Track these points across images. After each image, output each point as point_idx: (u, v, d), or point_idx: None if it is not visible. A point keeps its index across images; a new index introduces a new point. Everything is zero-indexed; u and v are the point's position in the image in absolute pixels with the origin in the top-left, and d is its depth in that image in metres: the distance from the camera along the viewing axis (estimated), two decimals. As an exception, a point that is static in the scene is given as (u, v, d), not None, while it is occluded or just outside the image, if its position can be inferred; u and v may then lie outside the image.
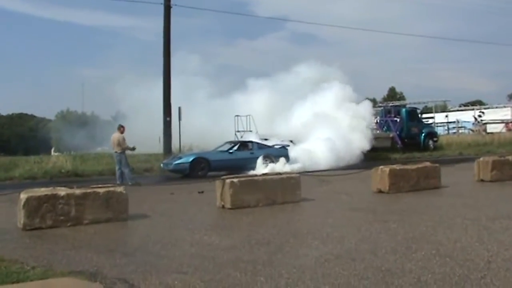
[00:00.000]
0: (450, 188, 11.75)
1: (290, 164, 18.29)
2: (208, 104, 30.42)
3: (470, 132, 42.71)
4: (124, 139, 15.00)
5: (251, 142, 19.38)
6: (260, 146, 19.08)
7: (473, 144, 31.66)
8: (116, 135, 15.15)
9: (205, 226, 7.88)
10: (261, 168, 17.23)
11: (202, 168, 17.55)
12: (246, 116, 25.84)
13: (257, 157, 18.06)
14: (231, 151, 18.70)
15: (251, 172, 16.39)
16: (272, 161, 18.02)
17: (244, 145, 19.31)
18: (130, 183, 14.10)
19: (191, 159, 17.63)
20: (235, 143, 19.59)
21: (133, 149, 15.29)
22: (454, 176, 14.36)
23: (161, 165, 18.60)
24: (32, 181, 17.13)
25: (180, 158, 18.25)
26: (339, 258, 5.54)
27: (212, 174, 17.18)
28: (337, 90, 24.39)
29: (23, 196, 7.77)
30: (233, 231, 7.45)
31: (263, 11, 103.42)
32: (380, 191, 11.11)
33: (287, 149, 19.34)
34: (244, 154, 18.55)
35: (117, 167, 15.21)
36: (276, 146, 19.67)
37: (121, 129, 15.31)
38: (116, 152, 15.10)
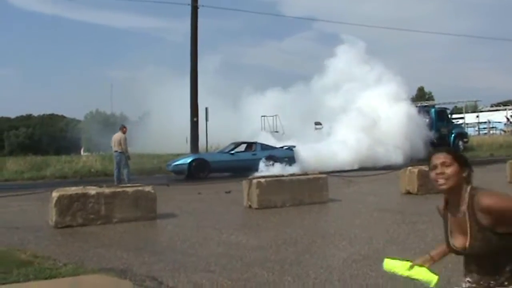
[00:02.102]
0: (480, 190, 11.50)
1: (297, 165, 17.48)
2: (235, 104, 30.58)
3: (502, 132, 41.76)
4: (125, 140, 14.84)
5: (255, 143, 18.75)
6: (264, 147, 18.40)
7: (505, 145, 30.94)
8: (118, 135, 14.97)
9: (232, 226, 7.92)
10: (264, 170, 16.49)
11: (201, 169, 17.07)
12: (273, 116, 25.85)
13: (260, 159, 17.37)
14: (232, 152, 18.27)
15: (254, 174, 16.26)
16: (276, 163, 17.34)
17: (247, 146, 18.83)
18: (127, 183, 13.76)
19: (189, 160, 17.30)
20: (237, 143, 19.11)
21: (128, 157, 14.90)
22: (485, 177, 13.98)
23: (166, 166, 18.38)
24: (63, 180, 17.48)
25: (180, 159, 17.97)
26: (367, 258, 5.49)
27: (215, 175, 17.12)
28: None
29: (55, 194, 7.95)
30: (260, 231, 7.46)
31: (290, 11, 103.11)
32: (409, 192, 10.97)
33: (292, 150, 18.58)
34: (246, 155, 18.04)
35: (115, 167, 15.08)
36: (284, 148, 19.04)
37: (124, 129, 15.14)
38: (116, 151, 14.90)
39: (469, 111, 48.10)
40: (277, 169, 16.41)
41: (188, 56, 23.10)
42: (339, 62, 24.64)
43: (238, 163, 17.54)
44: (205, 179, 16.51)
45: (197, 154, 18.60)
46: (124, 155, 14.80)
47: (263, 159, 17.37)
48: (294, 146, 18.93)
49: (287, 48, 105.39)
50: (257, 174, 16.11)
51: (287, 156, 18.13)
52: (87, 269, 5.32)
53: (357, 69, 24.38)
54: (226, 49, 76.98)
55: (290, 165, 17.36)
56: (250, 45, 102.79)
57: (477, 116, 45.97)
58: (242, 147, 18.91)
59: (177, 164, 17.43)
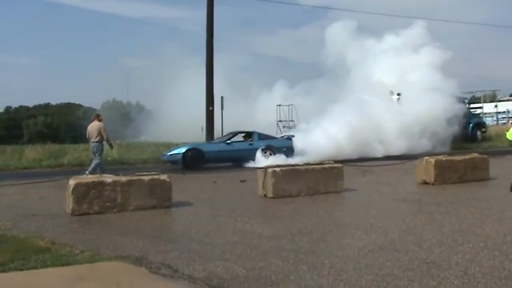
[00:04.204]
0: (499, 180, 11.36)
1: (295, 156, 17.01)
2: (251, 93, 30.56)
3: (521, 122, 41.11)
4: (105, 128, 14.03)
5: (253, 132, 18.28)
6: (262, 137, 18.02)
7: (524, 135, 30.40)
8: (95, 124, 14.00)
9: (247, 215, 7.92)
10: (261, 160, 16.38)
11: (196, 159, 16.66)
12: (288, 105, 25.76)
13: (257, 149, 17.15)
14: (228, 141, 17.81)
15: (250, 165, 16.04)
16: (274, 153, 17.10)
17: (245, 135, 18.46)
18: (87, 172, 12.81)
19: (184, 150, 16.91)
20: (235, 133, 18.74)
21: (111, 145, 14.29)
22: (503, 168, 13.87)
23: (161, 155, 18.10)
24: (80, 168, 17.62)
25: (175, 149, 17.66)
26: (382, 249, 5.46)
27: (212, 165, 16.94)
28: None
29: (72, 182, 8.02)
30: (275, 220, 7.46)
31: (305, 0, 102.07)
32: (425, 183, 10.87)
33: (291, 140, 18.15)
34: (243, 145, 17.66)
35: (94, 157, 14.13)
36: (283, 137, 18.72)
37: (100, 117, 14.39)
38: (95, 141, 13.89)
39: (488, 101, 47.47)
40: (274, 159, 16.19)
41: (204, 45, 23.10)
42: (335, 39, 24.58)
43: (235, 153, 17.27)
44: (221, 168, 16.55)
45: (193, 144, 18.14)
46: (102, 145, 13.98)
47: (260, 149, 17.16)
48: (293, 136, 18.61)
49: (301, 37, 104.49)
50: (252, 164, 16.18)
51: (285, 146, 17.76)
52: (103, 256, 5.37)
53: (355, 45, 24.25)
54: (241, 38, 76.69)
55: (288, 156, 16.97)
56: (265, 34, 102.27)
57: (496, 106, 45.33)
58: (240, 137, 18.53)
59: (172, 154, 17.13)
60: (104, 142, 14.16)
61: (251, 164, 16.22)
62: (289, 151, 17.45)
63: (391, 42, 23.87)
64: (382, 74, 22.08)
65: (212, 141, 19.40)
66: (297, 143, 17.95)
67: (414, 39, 23.72)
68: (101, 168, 13.67)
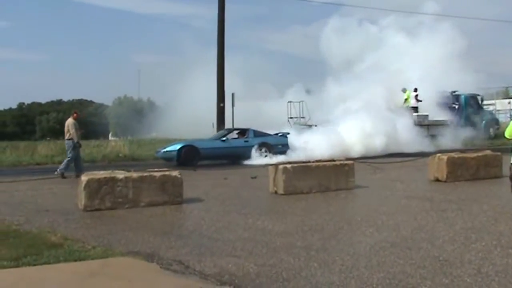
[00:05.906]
0: (512, 178, 11.24)
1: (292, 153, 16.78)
2: (262, 90, 30.53)
3: (535, 119, 40.64)
4: (73, 126, 13.39)
5: (248, 129, 17.88)
6: (257, 134, 17.65)
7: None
8: (67, 121, 13.69)
9: (258, 211, 7.92)
10: (257, 158, 16.37)
11: (191, 156, 16.31)
12: (299, 102, 25.68)
13: (252, 146, 16.95)
14: (224, 138, 17.52)
15: (246, 162, 15.99)
16: (269, 150, 16.93)
17: (239, 132, 18.16)
18: (56, 172, 13.02)
19: (178, 147, 16.55)
20: (230, 130, 18.54)
21: (79, 144, 13.51)
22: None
23: (156, 152, 17.73)
24: (92, 164, 17.73)
25: (169, 145, 17.28)
26: (394, 246, 5.43)
27: (207, 162, 16.81)
28: None
29: (84, 178, 8.08)
30: (286, 217, 7.45)
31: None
32: (437, 180, 10.79)
33: (287, 137, 17.91)
34: (238, 142, 17.38)
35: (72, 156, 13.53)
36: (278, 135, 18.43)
37: (74, 115, 13.92)
38: (66, 139, 13.49)
39: (501, 97, 46.95)
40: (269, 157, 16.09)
41: (216, 42, 23.12)
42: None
43: (230, 150, 17.07)
44: (231, 164, 16.54)
45: (187, 141, 17.76)
46: (71, 143, 13.35)
47: (256, 146, 17.00)
48: (288, 133, 18.40)
49: (313, 34, 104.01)
50: (248, 161, 16.14)
51: (281, 143, 17.59)
52: (115, 252, 5.40)
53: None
54: (253, 35, 76.52)
55: (285, 152, 16.79)
56: (277, 31, 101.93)
57: (509, 103, 44.81)
58: (235, 134, 18.23)
59: (166, 151, 16.81)
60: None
61: (246, 162, 16.25)
62: (284, 148, 17.28)
63: (392, 23, 23.95)
64: (391, 62, 22.10)
65: (208, 138, 19.30)
66: (293, 139, 17.76)
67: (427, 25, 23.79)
68: (68, 167, 13.19)
